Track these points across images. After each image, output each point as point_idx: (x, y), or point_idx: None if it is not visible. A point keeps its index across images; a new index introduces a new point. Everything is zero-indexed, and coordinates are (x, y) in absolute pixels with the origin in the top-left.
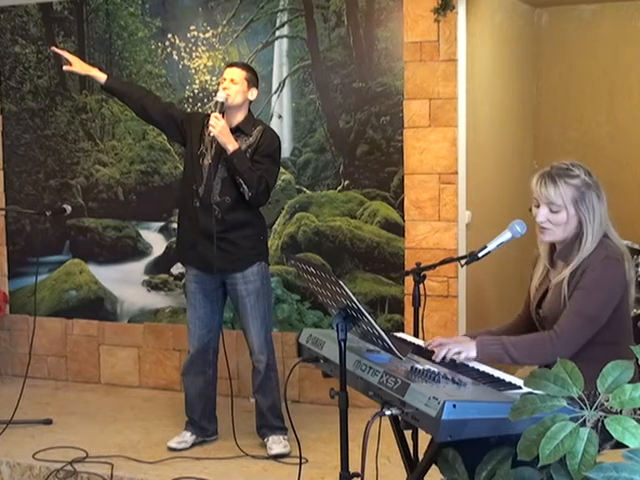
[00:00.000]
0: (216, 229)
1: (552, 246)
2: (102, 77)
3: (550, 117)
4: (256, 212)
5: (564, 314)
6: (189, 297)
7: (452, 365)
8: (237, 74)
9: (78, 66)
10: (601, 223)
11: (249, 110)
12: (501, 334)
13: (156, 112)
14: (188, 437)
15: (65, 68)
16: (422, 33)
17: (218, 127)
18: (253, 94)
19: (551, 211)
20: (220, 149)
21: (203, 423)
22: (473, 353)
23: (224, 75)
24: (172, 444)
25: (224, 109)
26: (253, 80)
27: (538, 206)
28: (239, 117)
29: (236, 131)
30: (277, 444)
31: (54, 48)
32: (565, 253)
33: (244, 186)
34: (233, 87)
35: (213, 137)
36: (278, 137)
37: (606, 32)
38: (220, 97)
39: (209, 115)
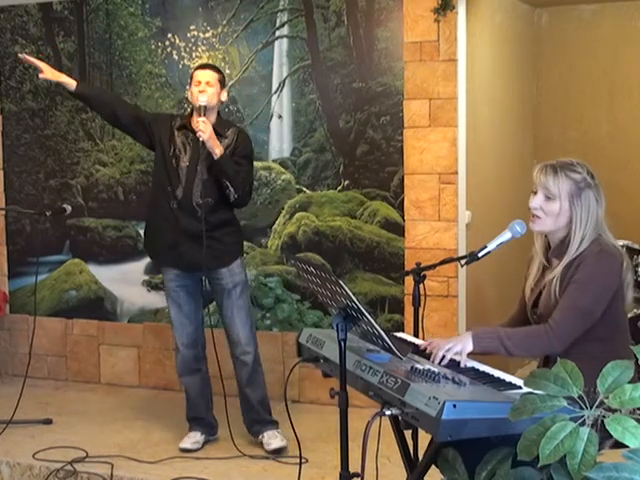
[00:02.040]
0: (198, 227)
1: (548, 243)
2: (72, 83)
3: (550, 117)
4: (234, 211)
5: (558, 307)
6: (172, 297)
7: (452, 365)
8: (211, 76)
9: (49, 73)
10: (596, 225)
11: (218, 112)
12: None
13: (125, 115)
14: (199, 437)
15: (40, 76)
16: (422, 33)
17: (208, 131)
18: (224, 96)
19: (546, 198)
20: (199, 151)
21: (210, 420)
22: (470, 346)
23: (198, 78)
24: (186, 445)
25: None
26: (223, 82)
27: (535, 193)
28: (212, 119)
29: None
30: (274, 439)
31: (24, 56)
32: (559, 251)
33: (230, 188)
34: (209, 89)
35: (191, 140)
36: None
37: (606, 32)
38: (202, 101)
39: (174, 116)
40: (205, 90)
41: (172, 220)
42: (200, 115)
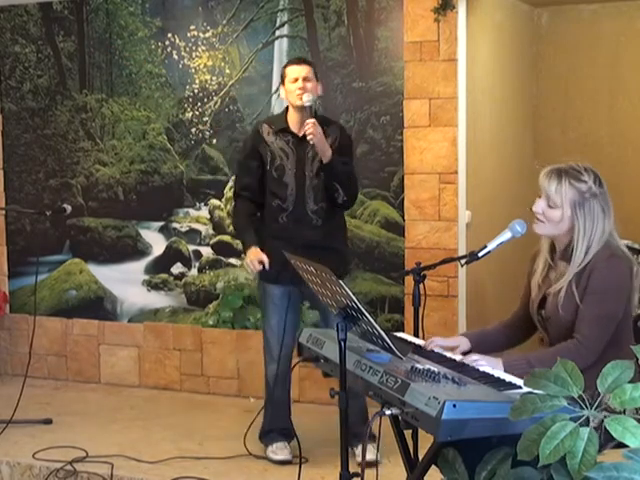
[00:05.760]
0: (317, 237)
1: (553, 243)
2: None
3: (550, 117)
4: (343, 214)
5: (582, 320)
6: (279, 304)
7: (453, 365)
8: (307, 71)
9: None
10: (602, 234)
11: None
12: (497, 333)
13: (257, 190)
14: (287, 446)
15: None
16: (422, 33)
17: (318, 134)
18: (320, 89)
19: (548, 205)
20: (303, 154)
21: (289, 426)
22: (501, 370)
23: (293, 75)
24: (287, 457)
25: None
26: (317, 73)
27: (540, 197)
28: (307, 117)
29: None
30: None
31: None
32: (564, 255)
33: (340, 191)
34: (309, 85)
35: (292, 143)
36: None
37: (606, 32)
38: (307, 101)
39: (259, 124)
40: (305, 87)
41: (285, 236)
42: (305, 116)
